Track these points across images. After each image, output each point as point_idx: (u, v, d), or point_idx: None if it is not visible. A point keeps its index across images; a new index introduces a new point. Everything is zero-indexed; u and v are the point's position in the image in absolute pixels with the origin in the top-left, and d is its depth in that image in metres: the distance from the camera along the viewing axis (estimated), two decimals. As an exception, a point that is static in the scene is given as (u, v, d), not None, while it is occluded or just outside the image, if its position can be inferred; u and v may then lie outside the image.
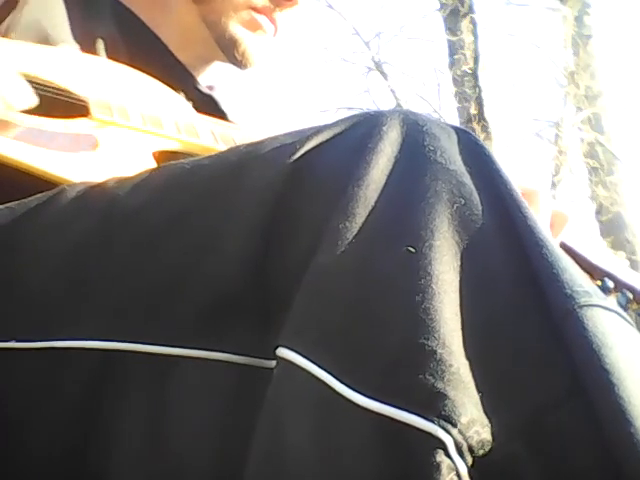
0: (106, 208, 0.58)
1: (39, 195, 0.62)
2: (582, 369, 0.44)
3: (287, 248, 0.50)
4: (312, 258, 0.48)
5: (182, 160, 0.59)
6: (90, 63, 0.85)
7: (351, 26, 6.92)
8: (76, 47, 0.87)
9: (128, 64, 0.86)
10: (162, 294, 0.53)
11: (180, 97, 0.88)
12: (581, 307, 0.45)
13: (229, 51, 0.94)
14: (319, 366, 0.45)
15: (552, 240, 0.48)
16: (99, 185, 0.61)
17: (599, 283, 0.99)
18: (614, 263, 1.01)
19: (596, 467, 0.42)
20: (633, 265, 5.83)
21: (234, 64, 0.96)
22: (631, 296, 0.99)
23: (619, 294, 0.99)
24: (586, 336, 0.44)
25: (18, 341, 0.55)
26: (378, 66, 6.83)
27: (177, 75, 0.94)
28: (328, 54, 8.50)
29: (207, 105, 0.94)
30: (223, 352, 0.51)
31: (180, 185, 0.57)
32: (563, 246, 0.96)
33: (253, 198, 0.52)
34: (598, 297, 0.46)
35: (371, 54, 6.88)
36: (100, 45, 0.88)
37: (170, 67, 0.93)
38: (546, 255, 0.47)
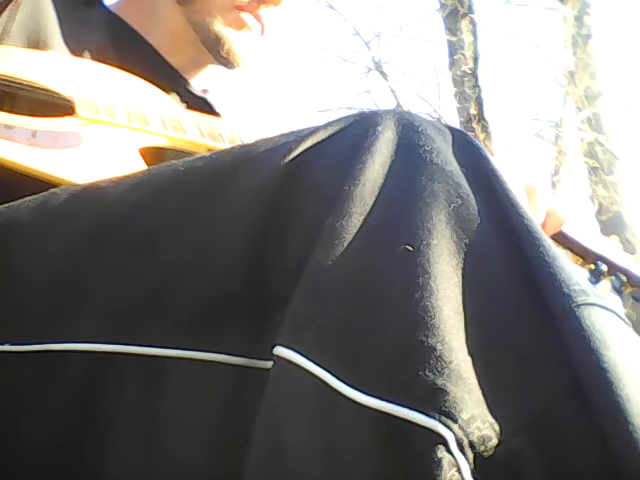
0: (99, 210, 0.58)
1: (29, 198, 0.62)
2: (580, 368, 0.44)
3: (282, 248, 0.50)
4: (308, 257, 0.48)
5: (175, 162, 0.59)
6: (76, 65, 0.86)
7: (351, 26, 6.91)
8: (67, 52, 0.87)
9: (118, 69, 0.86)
10: (156, 295, 0.53)
11: (163, 93, 0.88)
12: (578, 306, 0.45)
13: (215, 50, 0.95)
14: (318, 364, 0.45)
15: (548, 239, 0.49)
16: (90, 187, 0.61)
17: (592, 267, 0.99)
18: (607, 247, 1.01)
19: (596, 464, 0.42)
20: (633, 265, 5.81)
21: (222, 64, 0.97)
22: (625, 279, 0.99)
23: (613, 277, 0.99)
24: (584, 335, 0.44)
25: (12, 344, 0.55)
26: (378, 66, 6.82)
27: (169, 78, 0.94)
28: (328, 54, 8.49)
29: (201, 108, 0.95)
30: (219, 353, 0.51)
31: (174, 186, 0.56)
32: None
33: (248, 198, 0.52)
34: (595, 296, 0.46)
35: (371, 54, 6.87)
36: (89, 50, 0.89)
37: (161, 71, 0.94)
38: (543, 254, 0.47)
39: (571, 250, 0.99)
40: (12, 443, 0.55)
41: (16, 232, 0.60)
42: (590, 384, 0.43)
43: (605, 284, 0.99)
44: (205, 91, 1.02)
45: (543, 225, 0.93)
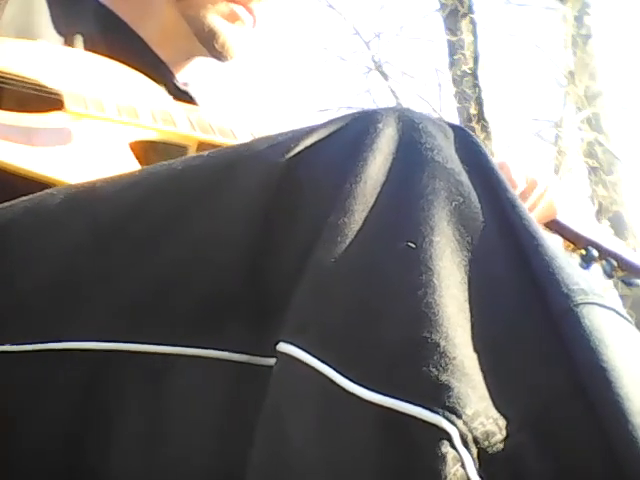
0: (96, 209, 0.58)
1: (24, 198, 0.61)
2: (580, 367, 0.44)
3: (284, 245, 0.50)
4: (310, 255, 0.48)
5: (171, 161, 0.59)
6: (64, 55, 0.85)
7: (351, 26, 6.90)
8: (57, 42, 0.87)
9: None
10: (157, 293, 0.53)
11: (154, 84, 0.88)
12: (577, 305, 0.46)
13: (209, 44, 0.95)
14: (322, 361, 0.45)
15: (548, 238, 0.49)
16: (86, 186, 0.61)
17: (583, 252, 0.99)
18: (598, 232, 1.01)
19: (598, 462, 0.43)
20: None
21: (215, 57, 0.97)
22: (615, 263, 0.98)
23: (604, 262, 0.99)
24: (583, 335, 0.45)
25: (13, 344, 0.55)
26: (378, 66, 6.81)
27: (158, 72, 0.94)
28: (328, 54, 8.48)
29: (183, 101, 0.95)
30: (221, 350, 0.51)
31: (172, 185, 0.56)
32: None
33: (248, 196, 0.52)
34: (595, 295, 0.47)
35: (371, 54, 6.86)
36: (79, 41, 0.89)
37: (151, 64, 0.94)
38: (542, 253, 0.48)
39: (562, 236, 1.00)
40: (13, 443, 0.55)
41: (13, 232, 0.60)
42: (590, 383, 0.44)
43: (596, 268, 1.00)
44: (185, 84, 1.03)
45: (523, 194, 0.94)
